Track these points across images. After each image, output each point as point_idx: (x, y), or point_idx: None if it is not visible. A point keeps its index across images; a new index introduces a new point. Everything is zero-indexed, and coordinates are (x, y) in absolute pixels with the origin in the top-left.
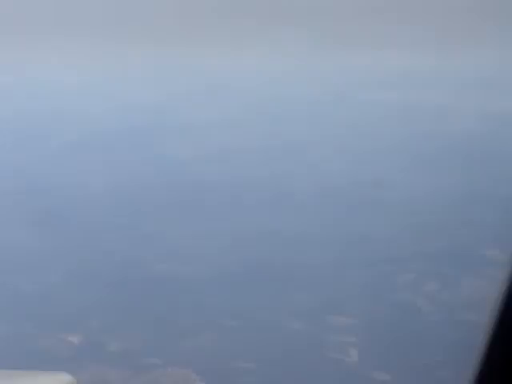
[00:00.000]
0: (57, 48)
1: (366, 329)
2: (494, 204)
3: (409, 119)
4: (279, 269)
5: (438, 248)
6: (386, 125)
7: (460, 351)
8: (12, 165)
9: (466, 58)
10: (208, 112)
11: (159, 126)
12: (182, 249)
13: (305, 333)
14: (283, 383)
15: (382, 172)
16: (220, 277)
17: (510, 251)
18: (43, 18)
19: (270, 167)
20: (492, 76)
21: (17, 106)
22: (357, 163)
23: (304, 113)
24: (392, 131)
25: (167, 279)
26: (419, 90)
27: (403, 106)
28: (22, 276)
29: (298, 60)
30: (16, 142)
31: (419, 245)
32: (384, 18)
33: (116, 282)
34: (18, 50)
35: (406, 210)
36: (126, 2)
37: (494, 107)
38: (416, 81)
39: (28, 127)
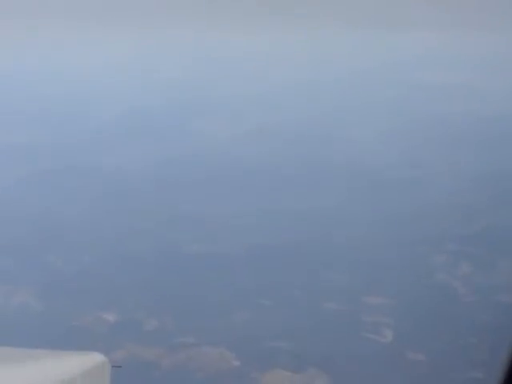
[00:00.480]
0: (92, 30)
1: (402, 309)
2: None
3: (454, 100)
4: (315, 248)
5: (474, 230)
6: (431, 105)
7: (495, 333)
8: (54, 144)
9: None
10: (247, 91)
11: (197, 103)
12: (217, 228)
13: (340, 312)
14: (317, 362)
15: (422, 153)
16: (255, 256)
17: None
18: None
19: (308, 146)
20: None
21: (56, 89)
22: (396, 144)
23: (345, 91)
24: (435, 112)
25: (202, 259)
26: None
27: (445, 87)
28: (59, 255)
29: (338, 41)
30: (58, 121)
31: (456, 226)
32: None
33: (151, 261)
34: (53, 35)
35: (444, 191)
36: None
37: None
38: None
39: (69, 107)
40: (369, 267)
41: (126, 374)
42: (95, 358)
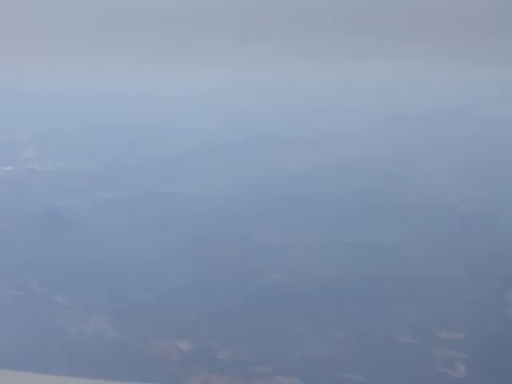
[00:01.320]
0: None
1: (475, 344)
2: None
3: None
4: (389, 281)
5: None
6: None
7: None
8: (126, 172)
9: None
10: (322, 125)
11: (274, 137)
12: (294, 259)
13: (413, 346)
14: None
15: (495, 187)
16: (330, 288)
17: None
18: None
19: (385, 178)
20: None
21: (130, 118)
22: (468, 181)
23: (416, 127)
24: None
25: (278, 289)
26: None
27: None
28: (134, 283)
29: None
30: (129, 149)
31: None
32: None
33: (227, 290)
34: (126, 63)
35: None
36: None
37: None
38: None
39: (142, 137)
40: (442, 301)
41: None
42: None
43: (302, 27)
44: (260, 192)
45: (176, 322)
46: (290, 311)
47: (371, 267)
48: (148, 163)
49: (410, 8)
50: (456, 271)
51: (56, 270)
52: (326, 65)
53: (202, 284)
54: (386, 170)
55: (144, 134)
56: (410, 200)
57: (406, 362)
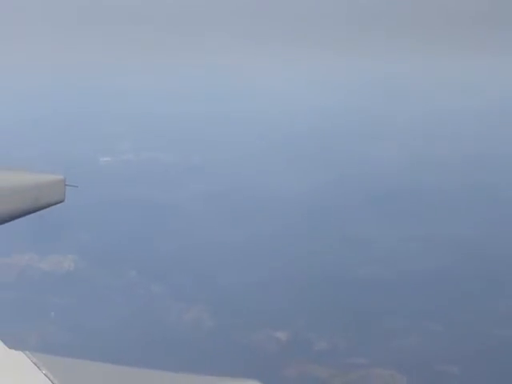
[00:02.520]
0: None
1: None
2: None
3: None
4: (484, 274)
5: None
6: None
7: None
8: (217, 164)
9: None
10: (415, 118)
11: (351, 131)
12: (385, 252)
13: (508, 339)
14: None
15: None
16: (425, 281)
17: None
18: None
19: (477, 175)
20: None
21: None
22: None
23: None
24: None
25: (372, 281)
26: None
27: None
28: (230, 273)
29: None
30: (224, 141)
31: None
32: None
33: (322, 282)
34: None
35: None
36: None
37: None
38: None
39: (232, 128)
40: None
41: None
42: None
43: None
44: (352, 186)
45: (274, 312)
46: (386, 303)
47: (466, 259)
48: (242, 156)
49: None
50: None
51: (154, 259)
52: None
53: (299, 276)
54: (484, 163)
55: (240, 128)
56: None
57: (502, 354)
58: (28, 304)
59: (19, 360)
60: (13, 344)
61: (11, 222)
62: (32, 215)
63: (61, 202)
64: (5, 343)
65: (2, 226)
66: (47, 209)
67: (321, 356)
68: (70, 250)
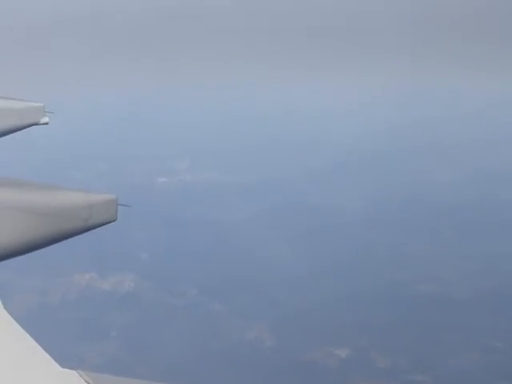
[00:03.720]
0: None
1: None
2: None
3: None
4: None
5: None
6: None
7: None
8: (276, 183)
9: None
10: (463, 133)
11: (413, 148)
12: (443, 269)
13: None
14: None
15: None
16: (483, 298)
17: None
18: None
19: None
20: None
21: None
22: None
23: None
24: None
25: (429, 299)
26: None
27: None
28: (288, 292)
29: None
30: (282, 162)
31: None
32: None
33: (381, 299)
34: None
35: None
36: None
37: None
38: None
39: (293, 150)
40: None
41: None
42: None
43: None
44: (408, 202)
45: (334, 329)
46: (444, 320)
47: None
48: (297, 174)
49: None
50: None
51: (214, 278)
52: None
53: (357, 293)
54: None
55: (292, 146)
56: None
57: None
58: (90, 323)
59: (72, 380)
60: (73, 363)
61: (67, 242)
62: (86, 234)
63: (113, 221)
64: (64, 363)
65: (59, 245)
66: (99, 228)
67: (382, 374)
68: (130, 270)
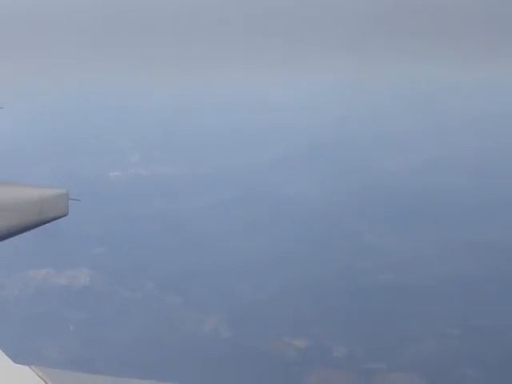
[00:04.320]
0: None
1: None
2: None
3: None
4: (502, 278)
5: None
6: None
7: None
8: (232, 174)
9: None
10: (410, 124)
11: (366, 137)
12: (405, 259)
13: None
14: None
15: None
16: (439, 286)
17: None
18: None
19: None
20: None
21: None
22: None
23: None
24: None
25: (389, 289)
26: None
27: None
28: (245, 282)
29: None
30: (235, 154)
31: None
32: None
33: (338, 289)
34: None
35: None
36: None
37: None
38: None
39: (245, 142)
40: None
41: None
42: None
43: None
44: (367, 192)
45: (291, 320)
46: (401, 309)
47: (482, 264)
48: (252, 166)
49: None
50: None
51: (169, 271)
52: None
53: (315, 283)
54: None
55: (246, 138)
56: None
57: None
58: (48, 318)
59: (25, 375)
60: (32, 358)
61: (20, 237)
62: (42, 230)
63: (64, 215)
64: (23, 358)
65: (12, 240)
66: (52, 222)
67: (339, 362)
68: (85, 265)
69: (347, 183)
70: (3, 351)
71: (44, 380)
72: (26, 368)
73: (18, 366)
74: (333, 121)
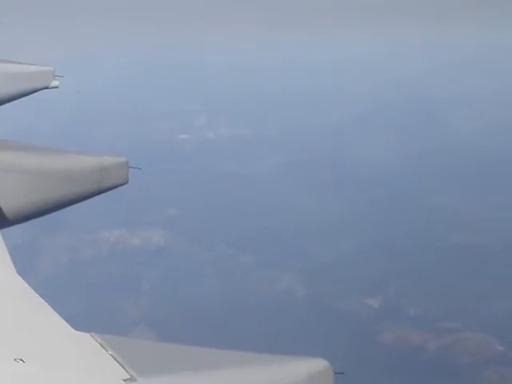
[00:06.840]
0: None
1: None
2: None
3: None
4: None
5: None
6: None
7: None
8: (298, 137)
9: None
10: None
11: (437, 98)
12: (474, 220)
13: None
14: None
15: None
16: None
17: None
18: None
19: None
20: None
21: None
22: None
23: None
24: None
25: (459, 249)
26: None
27: None
28: (319, 243)
29: None
30: (302, 115)
31: None
32: None
33: (408, 250)
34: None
35: None
36: None
37: None
38: None
39: (312, 103)
40: None
41: (396, 355)
42: (319, 365)
43: None
44: (441, 151)
45: (365, 279)
46: (473, 270)
47: None
48: (317, 127)
49: None
50: None
51: (242, 231)
52: None
53: (387, 244)
54: None
55: (314, 100)
56: None
57: None
58: (121, 278)
59: (85, 342)
60: (107, 317)
61: (93, 200)
62: (113, 193)
63: (124, 184)
64: (99, 316)
65: (86, 204)
66: (111, 191)
67: (413, 321)
68: (158, 226)
69: (421, 143)
70: (64, 319)
71: (104, 348)
72: (86, 335)
73: (79, 333)
74: (407, 80)
